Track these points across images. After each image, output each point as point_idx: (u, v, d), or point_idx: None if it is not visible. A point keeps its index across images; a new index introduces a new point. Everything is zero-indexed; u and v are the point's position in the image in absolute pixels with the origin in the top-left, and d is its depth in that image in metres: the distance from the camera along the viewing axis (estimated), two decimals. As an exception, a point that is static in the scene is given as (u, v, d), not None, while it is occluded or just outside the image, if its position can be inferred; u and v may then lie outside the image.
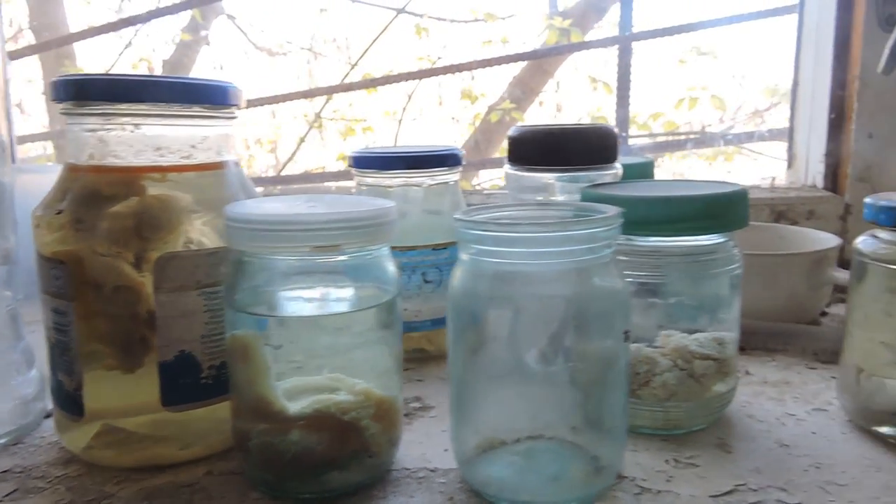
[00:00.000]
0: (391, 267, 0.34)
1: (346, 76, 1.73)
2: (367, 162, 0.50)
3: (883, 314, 0.37)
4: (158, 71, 1.55)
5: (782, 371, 0.48)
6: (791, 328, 0.51)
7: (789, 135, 0.77)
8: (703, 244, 0.38)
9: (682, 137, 1.05)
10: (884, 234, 0.36)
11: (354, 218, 0.30)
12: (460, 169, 0.52)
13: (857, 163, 0.68)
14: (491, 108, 1.67)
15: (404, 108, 1.69)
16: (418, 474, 0.35)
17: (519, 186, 0.48)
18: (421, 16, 1.69)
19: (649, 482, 0.34)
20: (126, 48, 1.50)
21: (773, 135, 0.92)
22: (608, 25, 1.49)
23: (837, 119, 0.69)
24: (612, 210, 0.31)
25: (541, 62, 1.62)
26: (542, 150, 0.45)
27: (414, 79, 1.44)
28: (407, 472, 0.35)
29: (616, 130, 0.46)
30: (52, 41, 1.34)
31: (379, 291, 0.34)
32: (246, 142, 1.61)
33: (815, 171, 0.72)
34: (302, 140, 1.75)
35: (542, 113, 1.64)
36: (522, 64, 1.57)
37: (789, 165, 0.78)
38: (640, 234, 0.37)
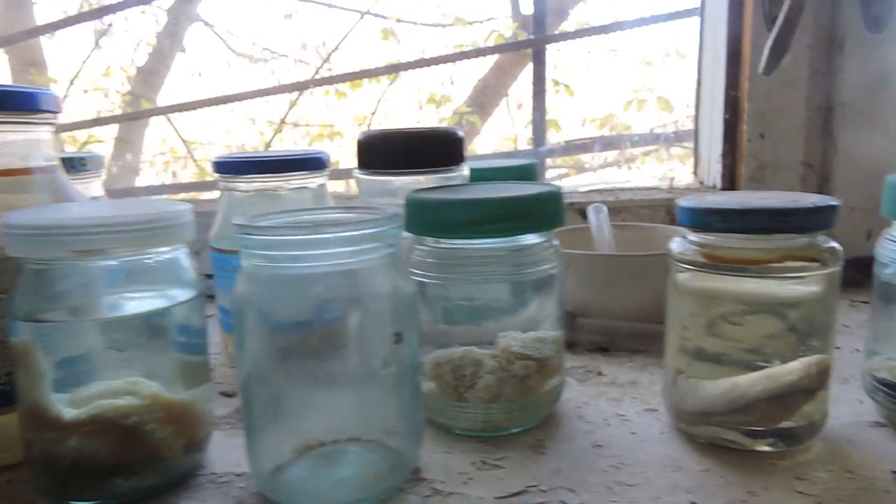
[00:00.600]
0: (188, 270, 0.34)
1: (315, 75, 1.73)
2: (225, 167, 0.50)
3: (689, 315, 0.37)
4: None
5: (636, 372, 0.48)
6: (651, 329, 0.51)
7: (695, 136, 0.77)
8: (518, 245, 0.38)
9: (589, 141, 1.05)
10: (690, 235, 0.37)
11: (117, 222, 0.30)
12: (324, 173, 0.52)
13: (751, 163, 0.68)
14: (455, 113, 1.68)
15: (373, 113, 1.70)
16: (223, 479, 0.35)
17: (368, 191, 0.48)
18: (385, 17, 1.69)
19: (447, 484, 0.34)
20: (95, 48, 1.50)
21: (679, 137, 0.92)
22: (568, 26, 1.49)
23: (732, 119, 0.70)
24: (387, 212, 0.32)
25: (503, 66, 1.63)
26: (388, 153, 0.45)
27: (360, 78, 1.44)
28: (212, 477, 0.35)
29: (461, 134, 0.47)
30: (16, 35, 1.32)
31: (172, 294, 0.34)
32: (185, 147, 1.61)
33: (714, 172, 0.72)
34: (267, 145, 1.75)
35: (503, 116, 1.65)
36: (488, 66, 1.58)
37: (695, 167, 0.78)
38: (446, 236, 0.37)
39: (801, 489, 0.32)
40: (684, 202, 0.36)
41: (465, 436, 0.39)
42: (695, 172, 0.78)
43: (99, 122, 1.42)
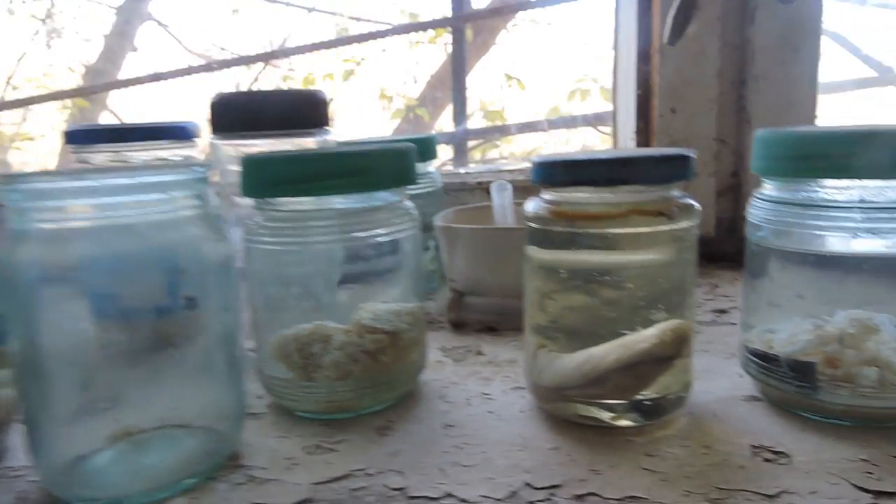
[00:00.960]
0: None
1: (260, 71, 1.69)
2: (76, 136, 0.46)
3: (539, 286, 0.34)
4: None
5: (517, 351, 0.45)
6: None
7: (613, 115, 0.75)
8: (364, 205, 0.35)
9: (509, 123, 1.03)
10: (543, 194, 0.34)
11: None
12: (190, 144, 0.48)
13: (663, 139, 0.66)
14: (406, 107, 1.65)
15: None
16: (16, 472, 0.31)
17: (225, 159, 0.44)
18: (335, 14, 1.66)
19: (267, 471, 0.30)
20: (35, 35, 1.43)
21: (600, 118, 0.90)
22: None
23: (644, 94, 0.67)
24: (179, 163, 0.28)
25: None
26: (243, 115, 0.42)
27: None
28: (5, 470, 0.31)
29: (324, 96, 0.43)
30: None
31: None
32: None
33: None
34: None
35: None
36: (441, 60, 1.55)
37: (614, 146, 0.76)
38: (279, 195, 0.34)
39: (649, 465, 0.29)
40: (535, 158, 0.33)
41: (312, 419, 0.36)
42: (615, 152, 0.76)
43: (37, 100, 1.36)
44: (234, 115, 0.42)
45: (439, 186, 0.60)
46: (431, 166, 0.60)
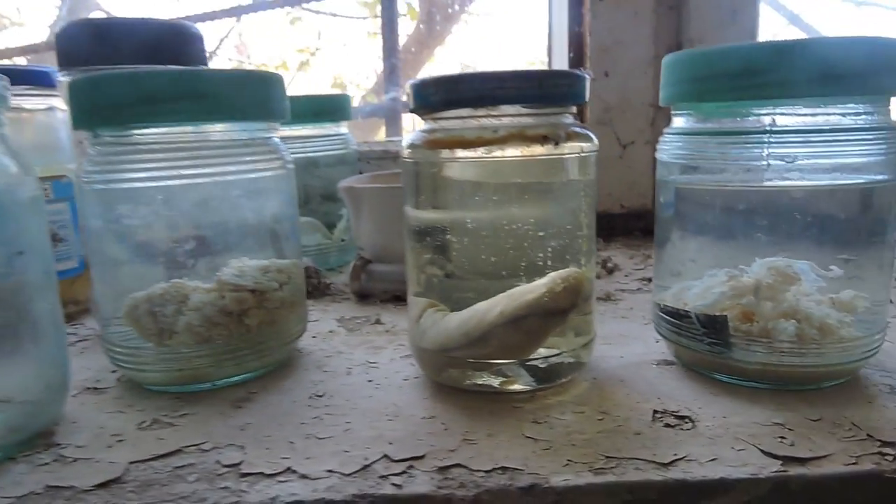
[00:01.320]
0: None
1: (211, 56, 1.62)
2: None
3: (415, 237, 0.29)
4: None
5: (422, 320, 0.40)
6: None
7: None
8: (222, 138, 0.30)
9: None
10: (421, 125, 0.29)
11: None
12: (51, 91, 0.42)
13: (596, 105, 0.62)
14: (363, 97, 1.60)
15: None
16: None
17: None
18: (295, 5, 1.60)
19: (83, 449, 0.25)
20: None
21: None
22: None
23: (576, 58, 0.63)
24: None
25: (422, 37, 1.55)
26: (93, 48, 0.36)
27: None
28: None
29: (197, 30, 0.38)
30: None
31: None
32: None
33: (563, 118, 0.66)
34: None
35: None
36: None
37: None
38: (114, 125, 0.28)
39: (533, 433, 0.25)
40: (410, 81, 0.28)
41: (163, 392, 0.31)
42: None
43: None
44: (85, 46, 0.36)
45: (352, 149, 0.55)
46: (344, 128, 0.56)
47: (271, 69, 1.52)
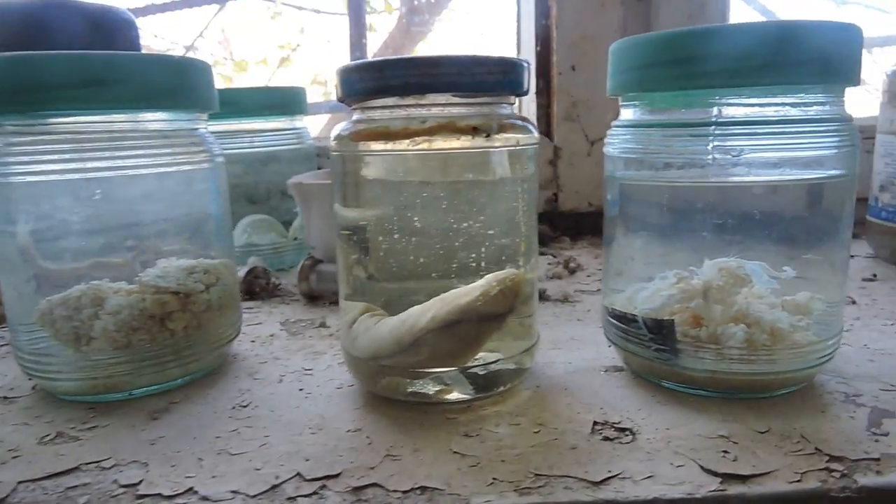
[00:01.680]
0: None
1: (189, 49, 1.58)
2: None
3: (345, 237, 0.28)
4: None
5: (369, 322, 0.38)
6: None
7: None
8: (133, 128, 0.28)
9: None
10: (352, 115, 0.27)
11: None
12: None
13: (563, 100, 0.61)
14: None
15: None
16: None
17: None
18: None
19: (-26, 467, 0.23)
20: None
21: None
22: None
23: (544, 51, 0.62)
24: None
25: (404, 33, 1.53)
26: (18, 30, 0.34)
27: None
28: None
29: (132, 18, 0.36)
30: None
31: None
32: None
33: (530, 112, 0.65)
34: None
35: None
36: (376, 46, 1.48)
37: (519, 110, 0.70)
38: (19, 110, 0.26)
39: (462, 448, 0.23)
40: (338, 67, 0.26)
41: (78, 402, 0.28)
42: (520, 119, 0.70)
43: None
44: (12, 31, 0.34)
45: (309, 144, 0.53)
46: (300, 122, 0.53)
47: (253, 64, 1.49)
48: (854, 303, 0.39)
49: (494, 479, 0.21)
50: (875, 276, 0.44)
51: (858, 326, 0.35)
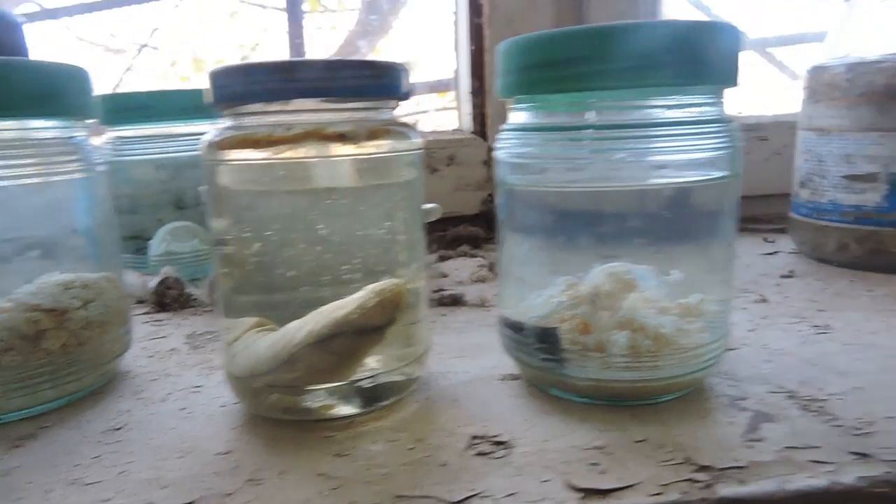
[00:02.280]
0: None
1: (137, 55, 1.54)
2: None
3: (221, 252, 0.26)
4: None
5: (277, 333, 0.37)
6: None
7: (455, 78, 0.69)
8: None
9: None
10: (224, 122, 0.26)
11: None
12: None
13: (496, 100, 0.60)
14: None
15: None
16: None
17: None
18: None
19: None
20: None
21: (441, 84, 0.83)
22: None
23: (478, 50, 0.61)
24: None
25: (364, 31, 1.51)
26: None
27: None
28: None
29: (18, 20, 0.34)
30: None
31: None
32: None
33: (465, 113, 0.64)
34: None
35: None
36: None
37: (458, 112, 0.69)
38: None
39: (329, 470, 0.22)
40: (210, 71, 0.25)
41: (-59, 430, 0.27)
42: (459, 119, 0.70)
43: None
44: None
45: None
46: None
47: (210, 64, 1.46)
48: (765, 301, 0.39)
49: (352, 502, 0.20)
50: (792, 272, 0.44)
51: (764, 325, 0.35)
